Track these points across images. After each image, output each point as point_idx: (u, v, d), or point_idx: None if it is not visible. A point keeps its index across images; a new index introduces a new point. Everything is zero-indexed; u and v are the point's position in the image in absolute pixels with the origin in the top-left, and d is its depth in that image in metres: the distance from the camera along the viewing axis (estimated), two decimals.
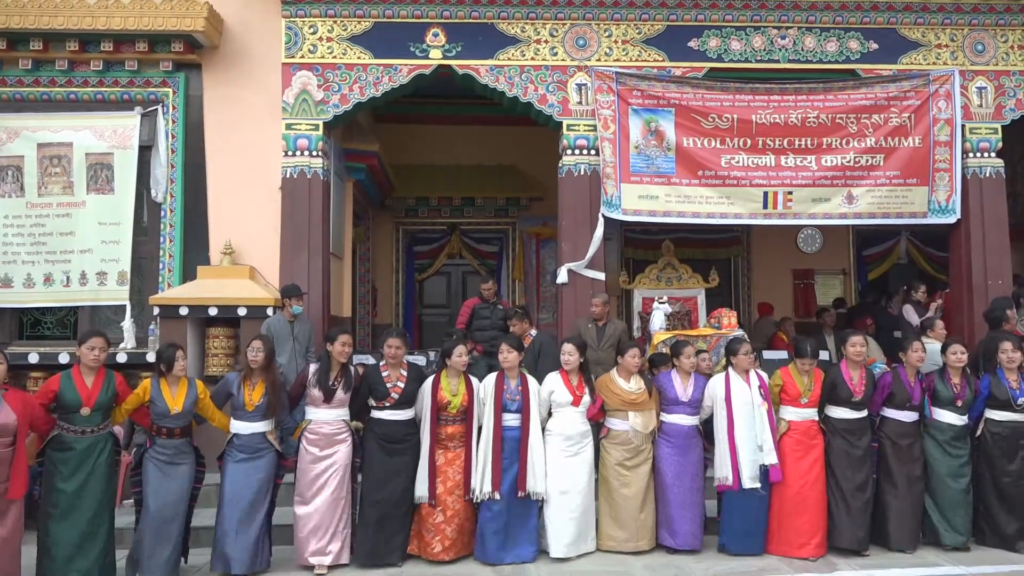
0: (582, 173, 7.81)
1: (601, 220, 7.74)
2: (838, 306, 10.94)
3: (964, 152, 8.07)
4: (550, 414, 6.13)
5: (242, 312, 7.29)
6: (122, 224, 7.73)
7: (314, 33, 7.73)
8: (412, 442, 5.91)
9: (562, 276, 7.79)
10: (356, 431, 5.97)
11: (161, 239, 7.81)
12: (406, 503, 5.83)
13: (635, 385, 6.15)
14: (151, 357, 7.30)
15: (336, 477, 5.73)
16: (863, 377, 6.12)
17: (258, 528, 5.57)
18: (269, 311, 7.26)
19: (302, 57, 7.71)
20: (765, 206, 7.99)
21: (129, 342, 7.56)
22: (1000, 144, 8.12)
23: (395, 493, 5.79)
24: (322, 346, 7.23)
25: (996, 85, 8.14)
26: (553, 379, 6.14)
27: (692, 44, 7.99)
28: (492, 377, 6.08)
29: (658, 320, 7.97)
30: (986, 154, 8.09)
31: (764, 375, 6.24)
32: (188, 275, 7.68)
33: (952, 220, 8.11)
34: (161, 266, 7.79)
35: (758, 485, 5.96)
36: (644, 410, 6.11)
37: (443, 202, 12.08)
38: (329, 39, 7.73)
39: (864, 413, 6.16)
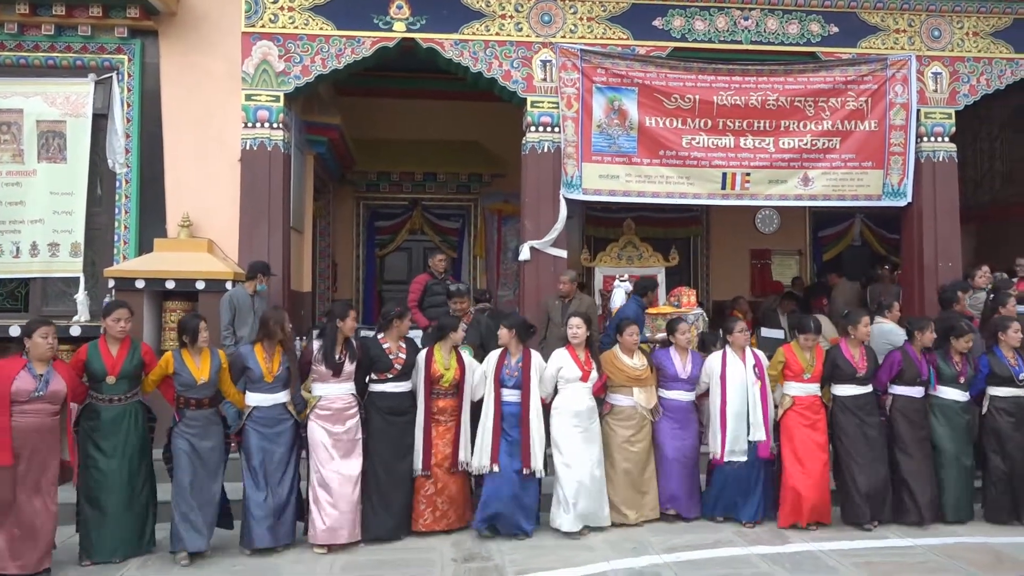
0: (545, 150, 7.82)
1: (563, 203, 7.78)
2: (796, 286, 11.16)
3: (918, 136, 8.25)
4: (557, 391, 6.16)
5: (200, 286, 7.19)
6: (75, 194, 7.55)
7: (275, 2, 7.58)
8: (414, 414, 5.94)
9: (524, 253, 7.81)
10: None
11: (116, 210, 7.65)
12: (411, 476, 5.87)
13: (638, 361, 6.26)
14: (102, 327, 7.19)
15: (350, 453, 5.69)
16: (864, 354, 6.32)
17: (284, 499, 5.55)
18: (228, 285, 7.16)
19: (263, 27, 7.57)
20: (723, 187, 8.09)
21: (83, 315, 7.43)
22: (953, 129, 8.32)
23: (404, 469, 5.82)
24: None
25: (951, 71, 8.31)
26: (561, 355, 6.16)
27: (656, 23, 8.01)
28: (495, 353, 6.13)
29: (618, 298, 8.05)
30: (940, 139, 8.28)
31: (761, 354, 6.42)
32: (144, 247, 7.54)
33: (903, 203, 8.30)
34: (116, 238, 7.64)
35: (744, 459, 6.15)
36: (647, 386, 6.24)
37: (405, 177, 12.00)
38: (290, 8, 7.59)
39: (869, 388, 6.34)
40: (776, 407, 6.34)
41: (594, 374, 6.12)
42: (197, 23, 7.72)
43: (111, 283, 7.21)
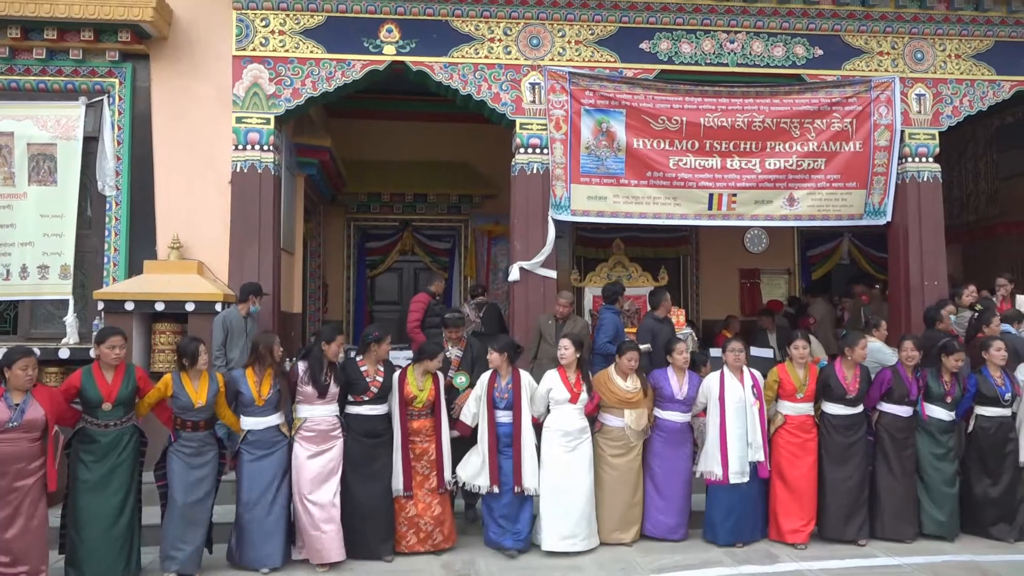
0: (535, 172, 7.88)
1: (551, 225, 7.84)
2: (793, 304, 11.22)
3: (903, 157, 8.35)
4: (549, 411, 6.20)
5: (190, 307, 7.19)
6: (65, 216, 7.55)
7: (266, 26, 7.66)
8: (389, 436, 5.96)
9: (514, 274, 7.85)
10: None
11: (106, 232, 7.66)
12: (390, 496, 5.89)
13: (632, 384, 6.27)
14: (95, 353, 7.17)
15: (335, 473, 5.72)
16: (857, 375, 6.36)
17: (276, 523, 5.57)
18: (218, 306, 7.17)
19: (253, 50, 7.63)
20: (710, 207, 8.16)
21: (72, 337, 7.41)
22: (937, 149, 8.41)
23: (381, 488, 5.84)
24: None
25: (934, 92, 8.42)
26: (551, 377, 6.22)
27: (644, 46, 8.11)
28: (485, 375, 6.18)
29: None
30: (924, 159, 8.37)
31: (758, 374, 6.44)
32: (134, 269, 7.54)
33: (883, 222, 8.41)
34: (106, 260, 7.64)
35: (745, 480, 6.16)
36: (638, 408, 6.25)
37: (395, 198, 12.06)
38: (281, 32, 7.67)
39: (859, 409, 6.39)
40: (768, 423, 6.37)
41: (584, 396, 6.13)
42: (188, 47, 7.77)
43: (100, 305, 7.21)
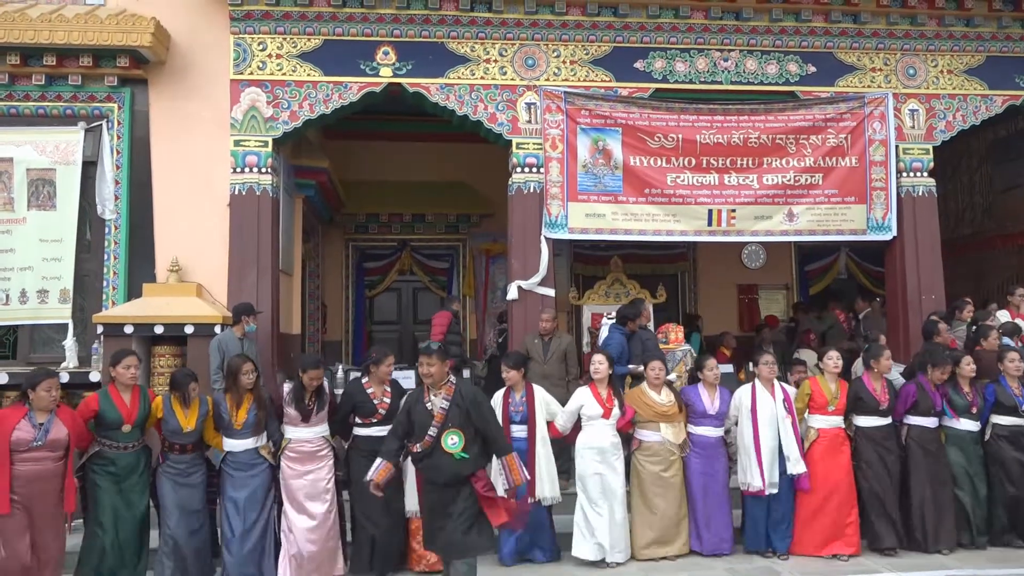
0: (532, 191, 7.91)
1: (545, 243, 7.85)
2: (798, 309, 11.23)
3: (898, 172, 8.39)
4: (579, 427, 6.25)
5: (189, 330, 7.19)
6: (64, 241, 7.57)
7: (263, 50, 7.71)
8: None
9: (512, 293, 7.87)
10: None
11: (105, 256, 7.67)
12: (397, 515, 5.89)
13: (666, 397, 6.35)
14: (94, 376, 7.18)
15: (328, 492, 5.76)
16: (885, 387, 6.48)
17: (258, 540, 5.61)
18: (217, 329, 7.17)
19: (251, 73, 7.69)
20: (709, 223, 8.19)
21: (71, 361, 7.41)
22: (932, 164, 8.46)
23: (387, 507, 5.79)
24: (268, 365, 7.22)
25: (927, 107, 8.48)
26: (583, 393, 6.29)
27: (638, 65, 8.17)
28: (499, 393, 6.26)
29: (606, 335, 8.07)
30: (918, 174, 8.42)
31: (789, 388, 6.55)
32: (133, 293, 7.55)
33: (888, 237, 8.41)
34: (105, 283, 7.65)
35: (775, 491, 6.24)
36: (675, 422, 6.31)
37: (393, 218, 12.09)
38: (279, 56, 7.72)
39: (889, 420, 6.51)
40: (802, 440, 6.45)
41: (616, 411, 6.20)
42: (186, 71, 7.83)
43: (100, 329, 7.22)
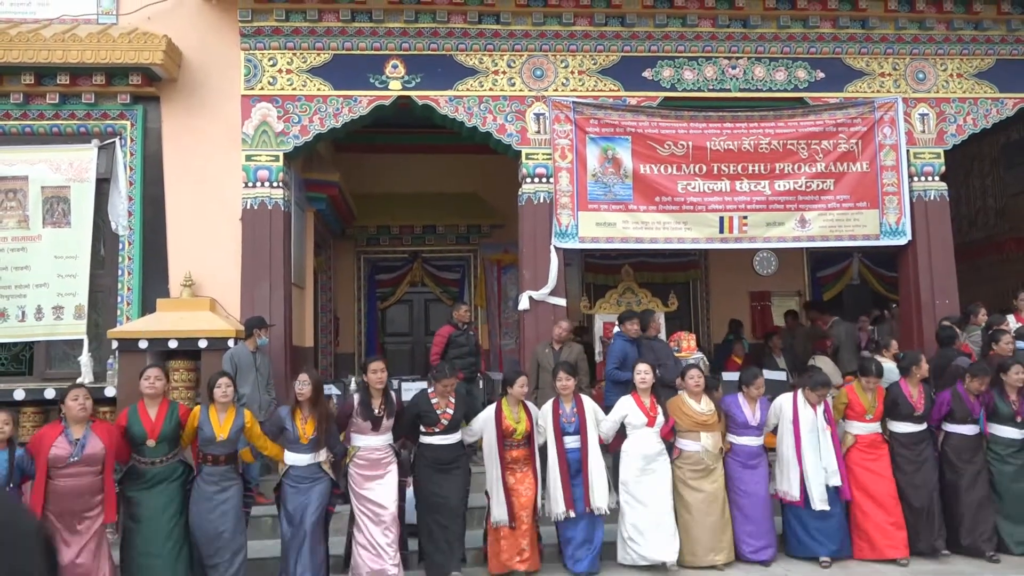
0: (542, 201, 7.93)
1: (554, 253, 7.85)
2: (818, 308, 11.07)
3: (909, 176, 8.36)
4: (624, 435, 6.30)
5: (203, 344, 7.23)
6: (79, 257, 7.63)
7: (273, 65, 7.78)
8: (462, 462, 6.13)
9: (524, 303, 7.87)
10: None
11: (119, 272, 7.73)
12: (460, 517, 6.02)
13: (705, 407, 6.34)
14: (110, 391, 7.22)
15: (392, 496, 5.85)
16: (922, 392, 6.49)
17: (319, 553, 5.67)
18: (231, 343, 7.21)
19: (262, 89, 7.75)
20: (721, 230, 8.17)
21: (87, 377, 7.44)
22: (943, 168, 8.43)
23: (452, 510, 5.96)
24: (281, 378, 7.25)
25: (937, 112, 8.46)
26: (627, 403, 6.34)
27: (646, 74, 8.19)
28: (548, 404, 6.30)
29: None
30: (930, 178, 8.39)
31: (828, 399, 6.52)
32: (147, 308, 7.60)
33: (903, 241, 8.37)
34: (119, 299, 7.71)
35: (827, 507, 6.21)
36: (714, 431, 6.31)
37: (404, 230, 12.13)
38: (289, 71, 7.78)
39: (924, 426, 6.52)
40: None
41: (660, 419, 6.25)
42: (197, 87, 7.90)
43: (115, 344, 7.27)
